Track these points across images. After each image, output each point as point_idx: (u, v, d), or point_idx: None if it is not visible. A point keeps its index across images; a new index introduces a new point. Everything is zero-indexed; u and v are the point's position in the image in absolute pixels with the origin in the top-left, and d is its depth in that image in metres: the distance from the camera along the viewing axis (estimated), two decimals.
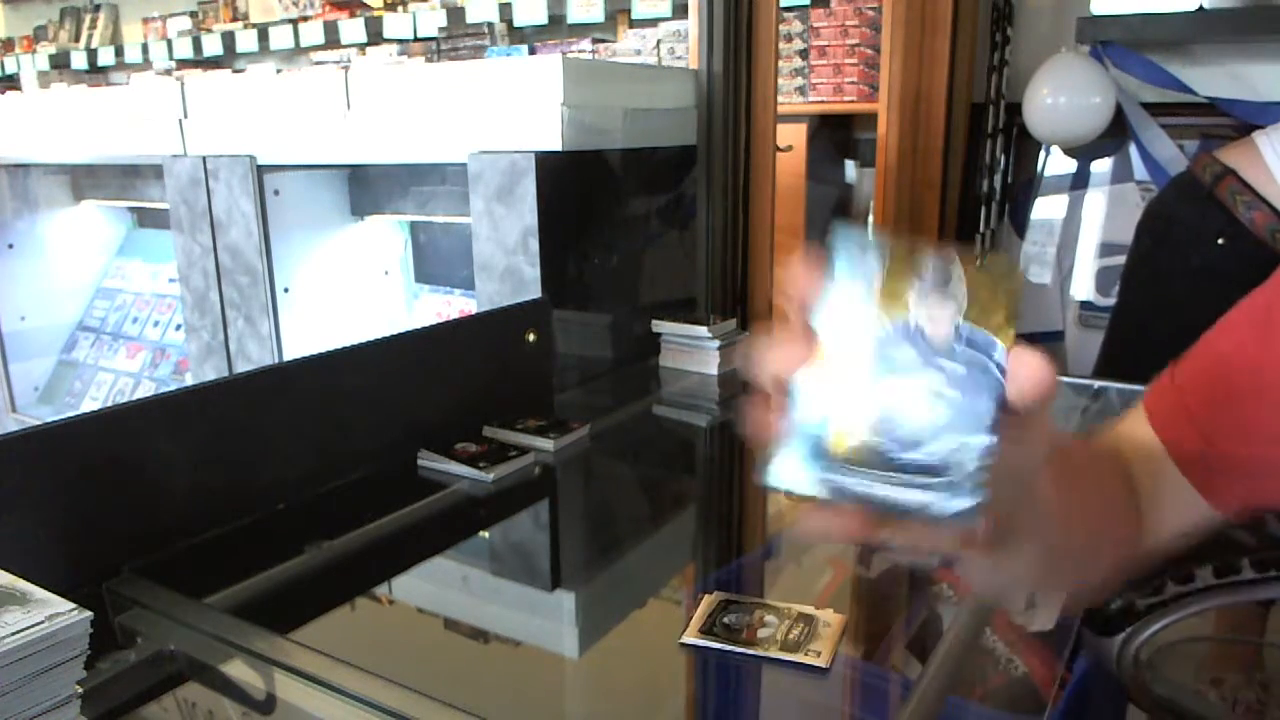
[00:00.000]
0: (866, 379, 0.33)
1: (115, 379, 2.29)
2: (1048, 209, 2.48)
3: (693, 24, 1.62)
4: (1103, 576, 0.52)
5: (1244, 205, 1.38)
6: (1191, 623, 0.69)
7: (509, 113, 1.36)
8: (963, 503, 0.32)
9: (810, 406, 0.33)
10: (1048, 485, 0.41)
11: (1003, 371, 0.32)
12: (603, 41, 3.13)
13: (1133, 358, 1.46)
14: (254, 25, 4.11)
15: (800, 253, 0.33)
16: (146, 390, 2.24)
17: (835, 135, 2.85)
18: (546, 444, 1.09)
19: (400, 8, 3.60)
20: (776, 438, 0.33)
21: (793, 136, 2.63)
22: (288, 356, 1.73)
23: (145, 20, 4.66)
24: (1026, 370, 0.33)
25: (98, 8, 4.94)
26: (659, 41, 2.83)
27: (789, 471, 0.33)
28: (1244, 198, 1.39)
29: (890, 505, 0.33)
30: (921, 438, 0.32)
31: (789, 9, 2.69)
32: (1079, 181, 2.44)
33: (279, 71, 3.85)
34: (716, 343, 1.41)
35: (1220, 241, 1.40)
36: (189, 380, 2.05)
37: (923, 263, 0.33)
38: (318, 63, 3.88)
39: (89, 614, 0.50)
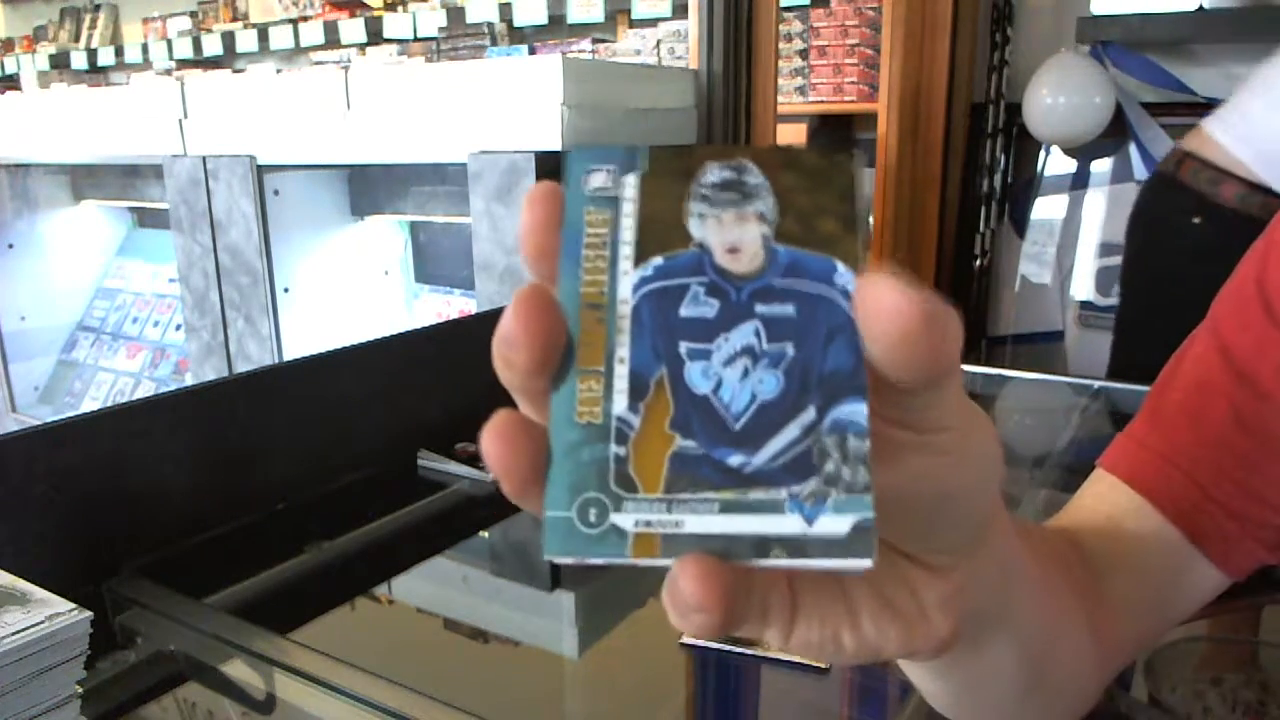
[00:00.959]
0: (649, 354, 0.22)
1: (115, 379, 2.29)
2: (1048, 209, 2.48)
3: (693, 24, 1.62)
4: None
5: (1208, 181, 1.42)
6: (1188, 623, 0.69)
7: (509, 113, 1.36)
8: (842, 520, 0.21)
9: (579, 414, 0.22)
10: (1013, 539, 0.30)
11: (851, 299, 0.22)
12: (603, 41, 3.13)
13: (1143, 361, 1.46)
14: (254, 25, 4.11)
15: (533, 190, 0.23)
16: (146, 390, 2.24)
17: (835, 135, 2.85)
18: None
19: (400, 8, 3.60)
20: (534, 474, 0.22)
21: (793, 136, 2.63)
22: (288, 356, 1.73)
23: (145, 20, 4.65)
24: (879, 304, 0.20)
25: (98, 8, 4.94)
26: (659, 41, 2.83)
27: (573, 527, 0.21)
28: (1206, 174, 1.43)
29: (735, 544, 0.21)
30: (754, 427, 0.22)
31: (789, 9, 2.69)
32: (1079, 181, 2.44)
33: (279, 71, 3.85)
34: None
35: (1196, 221, 1.43)
36: (189, 380, 2.05)
37: (699, 167, 0.23)
38: (318, 63, 3.88)
39: (89, 614, 0.50)
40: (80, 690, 0.51)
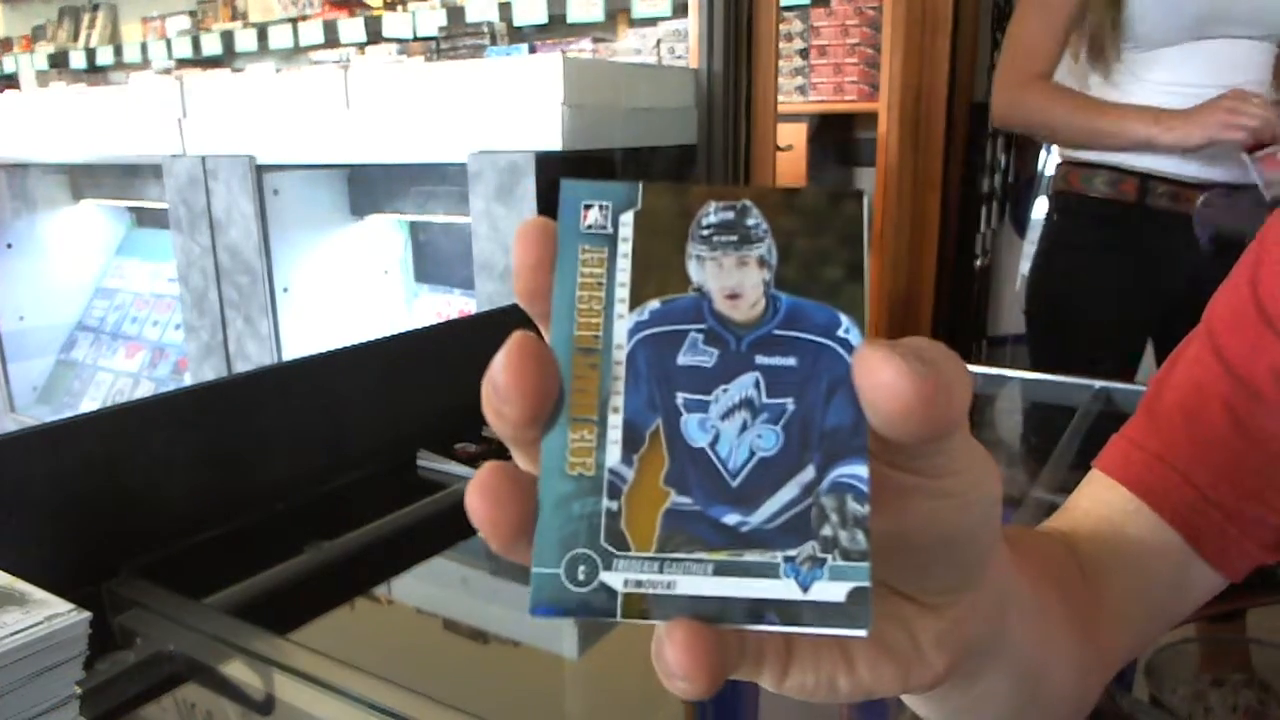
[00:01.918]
0: (645, 404, 0.21)
1: (114, 379, 2.29)
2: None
3: (693, 24, 1.62)
4: None
5: (1059, 178, 1.52)
6: (1189, 624, 0.69)
7: (509, 112, 1.36)
8: (838, 587, 0.20)
9: (570, 465, 0.21)
10: (1010, 566, 0.30)
11: (854, 353, 0.21)
12: (603, 41, 3.13)
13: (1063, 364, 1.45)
14: (253, 25, 4.11)
15: (525, 226, 0.22)
16: (146, 390, 2.24)
17: (835, 135, 2.85)
18: None
19: (400, 7, 3.60)
20: (520, 528, 0.21)
21: (793, 136, 2.63)
22: (288, 356, 1.73)
23: (144, 20, 4.65)
24: (878, 380, 0.20)
25: (96, 7, 4.94)
26: (659, 41, 2.83)
27: (560, 584, 0.21)
28: (1060, 170, 1.53)
29: (728, 606, 0.21)
30: (752, 485, 0.21)
31: (789, 9, 2.69)
32: None
33: (278, 71, 3.85)
34: None
35: (1055, 218, 1.52)
36: (189, 380, 2.05)
37: (698, 207, 0.22)
38: (317, 62, 3.88)
39: (88, 614, 0.50)
40: (79, 690, 0.51)
